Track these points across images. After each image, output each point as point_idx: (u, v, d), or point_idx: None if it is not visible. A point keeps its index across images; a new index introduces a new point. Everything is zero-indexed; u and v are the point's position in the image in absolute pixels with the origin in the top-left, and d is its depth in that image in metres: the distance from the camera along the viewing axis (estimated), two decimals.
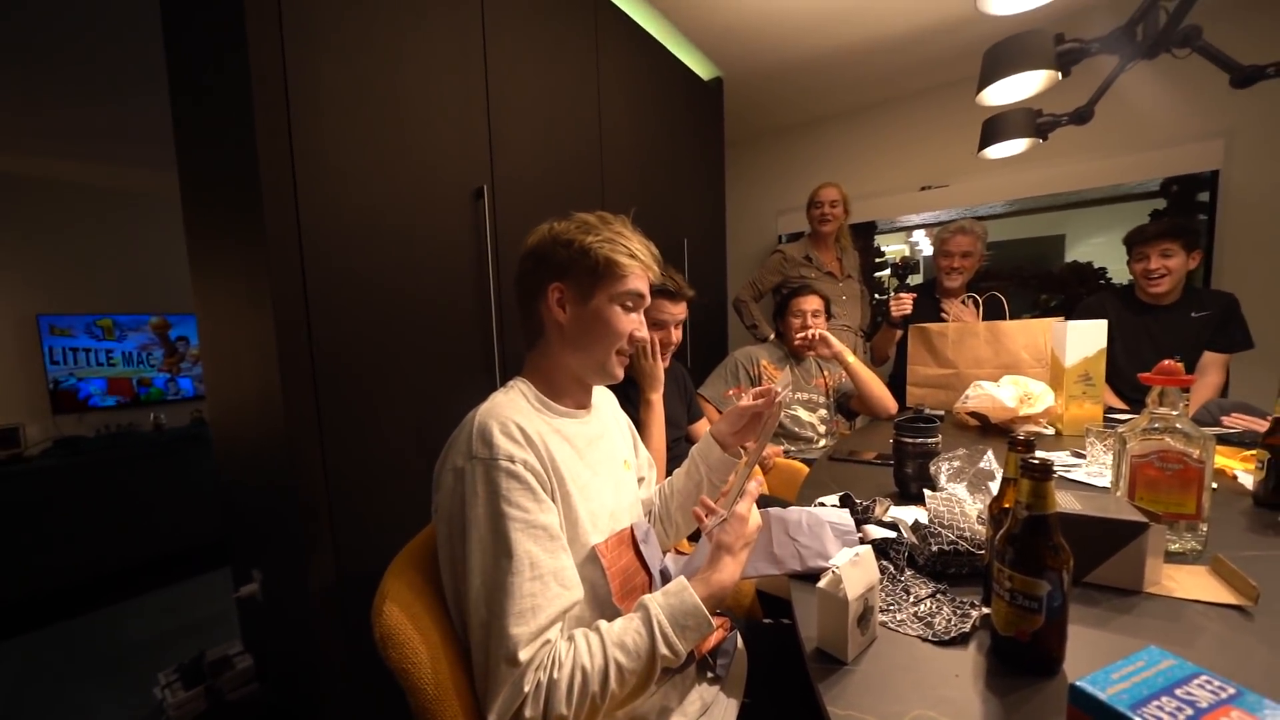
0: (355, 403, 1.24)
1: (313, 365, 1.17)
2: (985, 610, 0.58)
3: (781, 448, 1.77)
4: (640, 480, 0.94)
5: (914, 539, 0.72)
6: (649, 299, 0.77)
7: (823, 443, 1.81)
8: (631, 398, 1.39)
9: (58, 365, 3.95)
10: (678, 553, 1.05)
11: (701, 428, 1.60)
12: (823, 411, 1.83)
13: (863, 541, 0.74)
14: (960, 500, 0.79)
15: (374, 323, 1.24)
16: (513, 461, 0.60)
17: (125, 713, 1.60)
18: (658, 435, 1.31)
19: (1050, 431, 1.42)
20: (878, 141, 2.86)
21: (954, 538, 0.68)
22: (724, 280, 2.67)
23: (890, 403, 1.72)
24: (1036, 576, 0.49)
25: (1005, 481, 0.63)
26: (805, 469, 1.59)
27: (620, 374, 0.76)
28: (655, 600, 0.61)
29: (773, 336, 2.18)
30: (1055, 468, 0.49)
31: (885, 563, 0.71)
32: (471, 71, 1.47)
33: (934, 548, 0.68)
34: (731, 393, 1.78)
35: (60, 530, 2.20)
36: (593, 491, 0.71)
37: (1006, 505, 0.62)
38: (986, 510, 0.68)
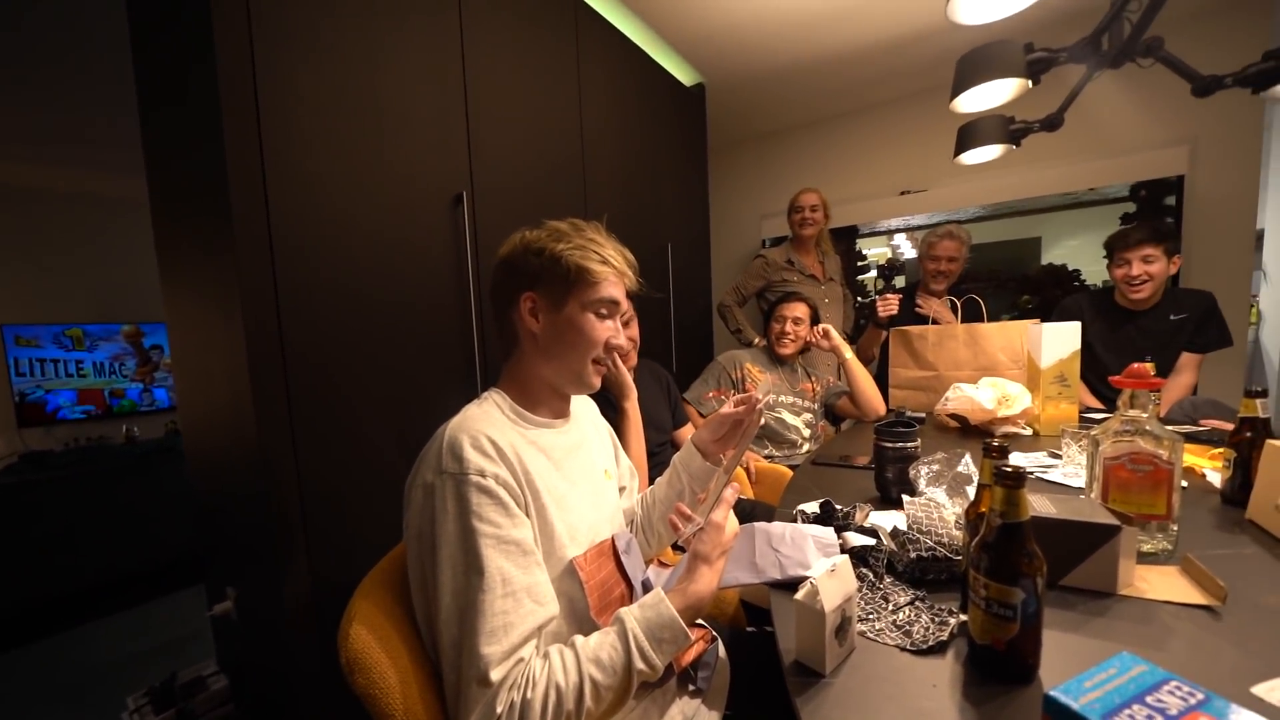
0: (331, 413, 1.21)
1: (285, 375, 1.14)
2: (963, 618, 0.58)
3: (765, 452, 1.78)
4: (622, 489, 0.93)
5: (893, 545, 0.72)
6: (625, 305, 0.77)
7: (807, 447, 1.81)
8: (613, 404, 1.39)
9: (23, 377, 3.81)
10: (661, 565, 1.04)
11: (686, 433, 1.59)
12: (808, 416, 1.84)
13: (843, 549, 0.74)
14: (939, 505, 0.80)
15: (350, 331, 1.21)
16: (483, 476, 0.59)
17: None
18: (636, 443, 1.30)
19: (1028, 432, 1.44)
20: (858, 147, 2.90)
21: (932, 544, 0.69)
22: (709, 285, 2.68)
23: (880, 404, 1.73)
24: (1011, 584, 0.49)
25: (981, 487, 0.63)
26: (789, 474, 1.59)
27: (597, 383, 0.75)
28: (631, 614, 0.60)
29: (757, 340, 2.19)
30: (1029, 472, 0.49)
31: (865, 569, 0.71)
32: (450, 76, 1.46)
33: (912, 554, 0.68)
34: (712, 395, 1.79)
35: (26, 549, 2.11)
36: (570, 503, 0.70)
37: (983, 510, 0.62)
38: (964, 515, 0.69)
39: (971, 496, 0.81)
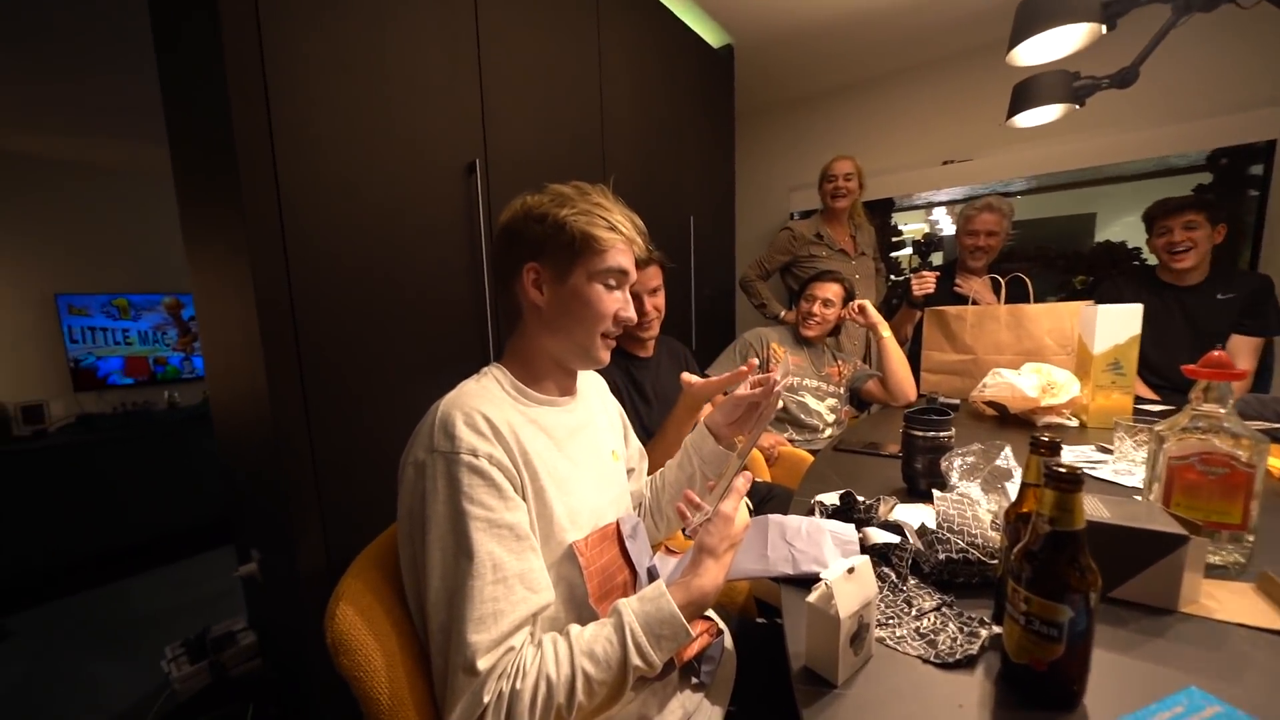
0: (344, 385, 1.20)
1: (297, 347, 1.14)
2: (996, 630, 0.52)
3: (786, 436, 1.71)
4: (630, 472, 0.89)
5: (919, 544, 0.66)
6: (634, 275, 0.71)
7: (829, 432, 1.74)
8: (636, 379, 1.34)
9: (77, 344, 4.02)
10: (669, 551, 1.01)
11: (706, 413, 1.54)
12: (832, 400, 1.76)
13: (863, 546, 0.69)
14: (973, 501, 0.73)
15: (361, 301, 1.20)
16: (475, 456, 0.55)
17: (133, 685, 1.64)
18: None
19: (1074, 423, 1.33)
20: (897, 113, 2.71)
21: (964, 545, 0.62)
22: (732, 259, 2.57)
23: (912, 389, 1.64)
24: (1058, 600, 0.43)
25: (1026, 487, 0.56)
26: (810, 459, 1.53)
27: (606, 358, 0.71)
28: (629, 606, 0.56)
29: (785, 314, 2.10)
30: (1081, 470, 0.42)
31: (887, 569, 0.65)
32: (462, 38, 1.39)
33: (941, 555, 0.62)
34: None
35: (78, 505, 2.24)
36: (572, 485, 0.66)
37: (1025, 510, 0.55)
38: (1002, 515, 0.62)
39: (1011, 495, 0.74)
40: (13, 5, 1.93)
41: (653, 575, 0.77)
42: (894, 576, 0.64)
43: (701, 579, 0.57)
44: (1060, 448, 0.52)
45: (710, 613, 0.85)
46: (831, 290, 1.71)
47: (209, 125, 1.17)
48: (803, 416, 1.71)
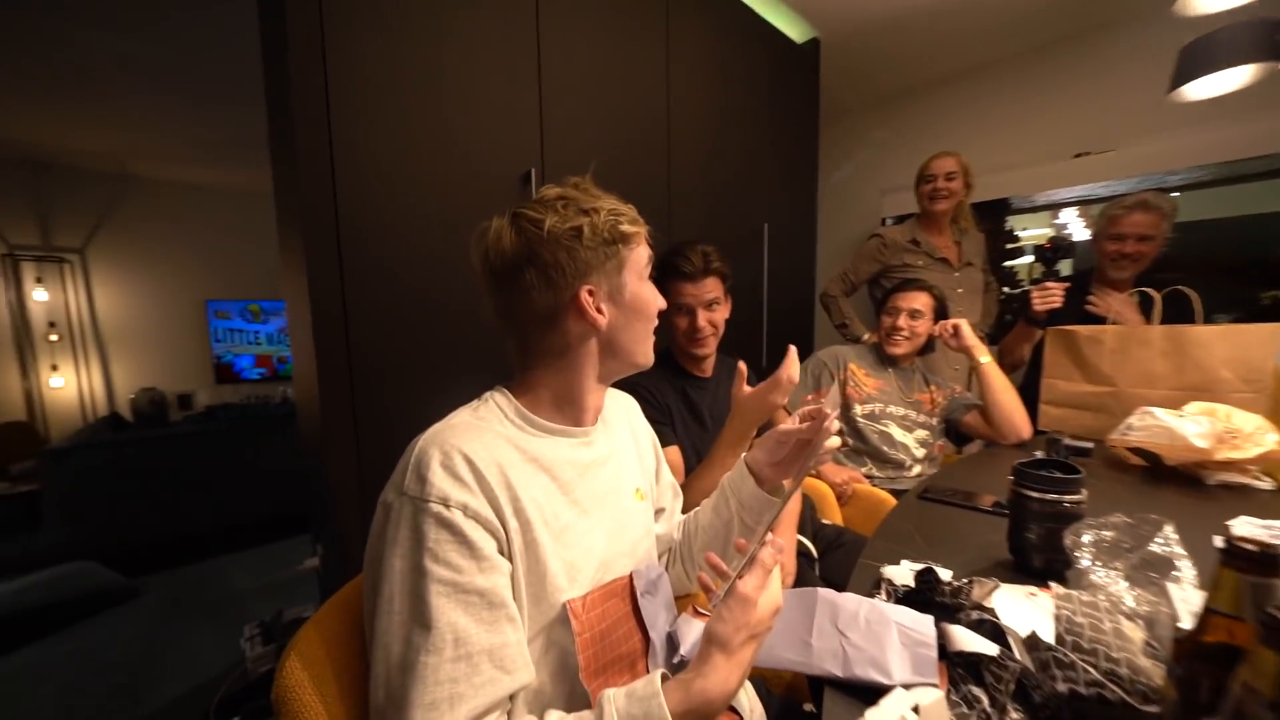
0: (393, 394, 1.22)
1: (348, 353, 1.17)
2: None
3: (865, 470, 1.49)
4: (660, 512, 0.77)
5: (1028, 662, 0.47)
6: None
7: (917, 469, 1.49)
8: (692, 400, 1.22)
9: (220, 343, 4.68)
10: (697, 613, 0.87)
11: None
12: (922, 433, 1.50)
13: (944, 651, 0.51)
14: (1113, 600, 0.52)
15: (413, 310, 1.23)
16: (446, 505, 0.47)
17: (220, 655, 1.78)
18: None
19: (1265, 485, 1.00)
20: (1014, 101, 2.34)
21: (1098, 676, 0.43)
22: (812, 271, 2.36)
23: (1024, 425, 1.36)
24: None
25: (1212, 614, 0.37)
26: (891, 501, 1.31)
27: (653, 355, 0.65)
28: (616, 702, 0.45)
29: (867, 336, 1.87)
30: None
31: (977, 691, 0.47)
32: (522, 45, 1.37)
33: (1062, 686, 0.44)
34: (811, 397, 1.53)
35: (193, 486, 2.53)
36: (574, 536, 0.56)
37: (1208, 640, 0.36)
38: (1165, 643, 0.42)
39: (1174, 597, 0.53)
40: (162, 57, 2.26)
41: (672, 643, 0.64)
42: (986, 703, 0.46)
43: (706, 680, 0.44)
44: (1277, 562, 0.33)
45: (745, 686, 0.70)
46: (920, 300, 1.47)
47: (280, 144, 1.24)
48: (886, 449, 1.48)
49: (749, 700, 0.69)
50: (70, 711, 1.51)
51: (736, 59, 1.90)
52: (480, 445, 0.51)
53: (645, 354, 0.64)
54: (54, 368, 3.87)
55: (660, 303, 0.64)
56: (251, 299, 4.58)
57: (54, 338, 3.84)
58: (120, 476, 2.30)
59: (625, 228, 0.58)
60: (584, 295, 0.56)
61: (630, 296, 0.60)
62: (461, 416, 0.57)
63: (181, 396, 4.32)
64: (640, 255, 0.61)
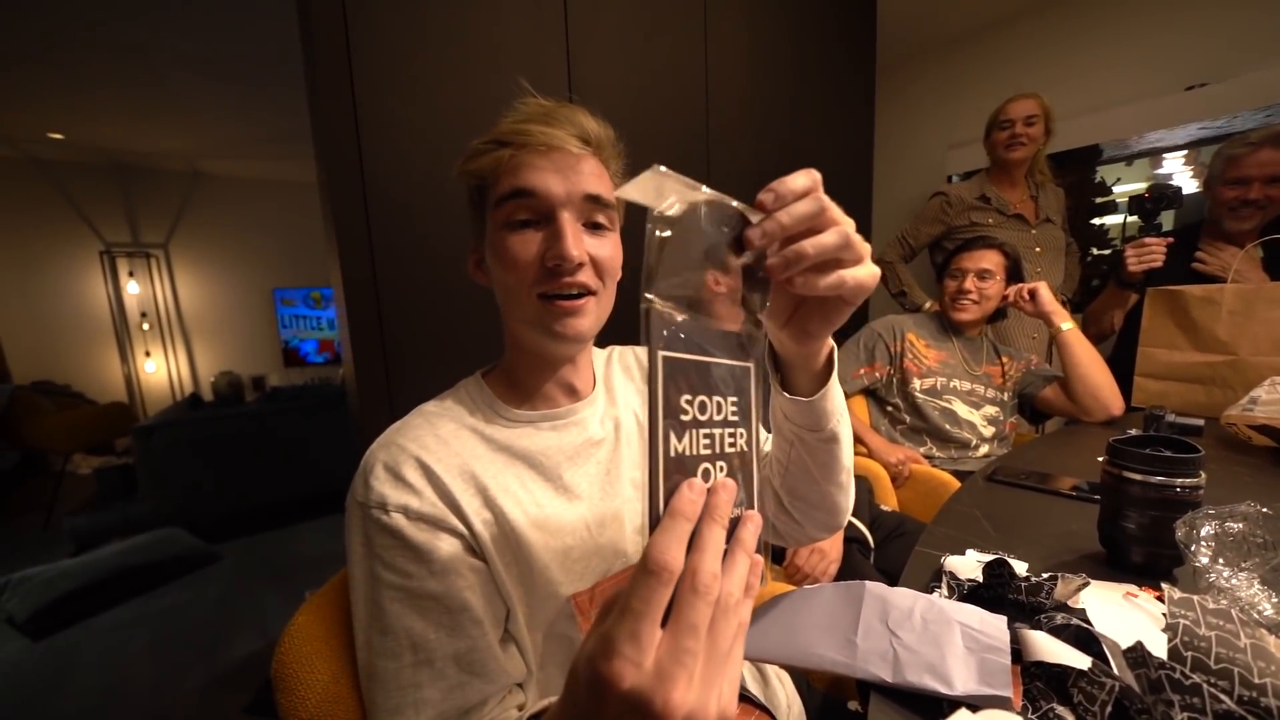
0: (424, 369, 1.23)
1: (381, 332, 1.17)
2: None
3: (924, 450, 1.36)
4: None
5: (1131, 680, 0.38)
6: (555, 189, 0.45)
7: (985, 450, 1.34)
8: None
9: (287, 329, 4.99)
10: None
11: None
12: (991, 409, 1.36)
13: (1022, 660, 0.43)
14: (1247, 608, 0.42)
15: (443, 289, 1.22)
16: (385, 510, 0.44)
17: (282, 617, 1.90)
18: None
19: None
20: (1106, 30, 2.04)
21: (1233, 706, 0.34)
22: (867, 235, 2.16)
23: (1115, 400, 1.20)
24: None
25: None
26: (954, 483, 1.19)
27: (574, 327, 0.48)
28: None
29: (929, 305, 1.71)
30: None
31: (1061, 711, 0.39)
32: (548, 9, 1.31)
33: (1179, 715, 0.35)
34: (863, 371, 1.41)
35: (268, 458, 2.72)
36: (567, 524, 0.50)
37: None
38: None
39: None
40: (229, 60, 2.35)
41: None
42: None
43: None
44: None
45: (782, 679, 0.64)
46: (989, 259, 1.31)
47: (317, 129, 1.24)
48: (949, 428, 1.34)
49: (786, 696, 0.63)
50: (160, 661, 1.67)
51: (783, 3, 1.74)
52: (434, 440, 0.48)
53: (533, 320, 0.49)
54: (147, 353, 4.26)
55: (517, 257, 0.48)
56: (313, 286, 4.84)
57: (146, 326, 4.22)
58: (197, 451, 2.50)
59: (472, 164, 0.48)
60: (471, 257, 0.54)
61: (491, 251, 0.50)
62: (424, 410, 0.53)
63: (255, 379, 4.66)
64: (495, 193, 0.47)
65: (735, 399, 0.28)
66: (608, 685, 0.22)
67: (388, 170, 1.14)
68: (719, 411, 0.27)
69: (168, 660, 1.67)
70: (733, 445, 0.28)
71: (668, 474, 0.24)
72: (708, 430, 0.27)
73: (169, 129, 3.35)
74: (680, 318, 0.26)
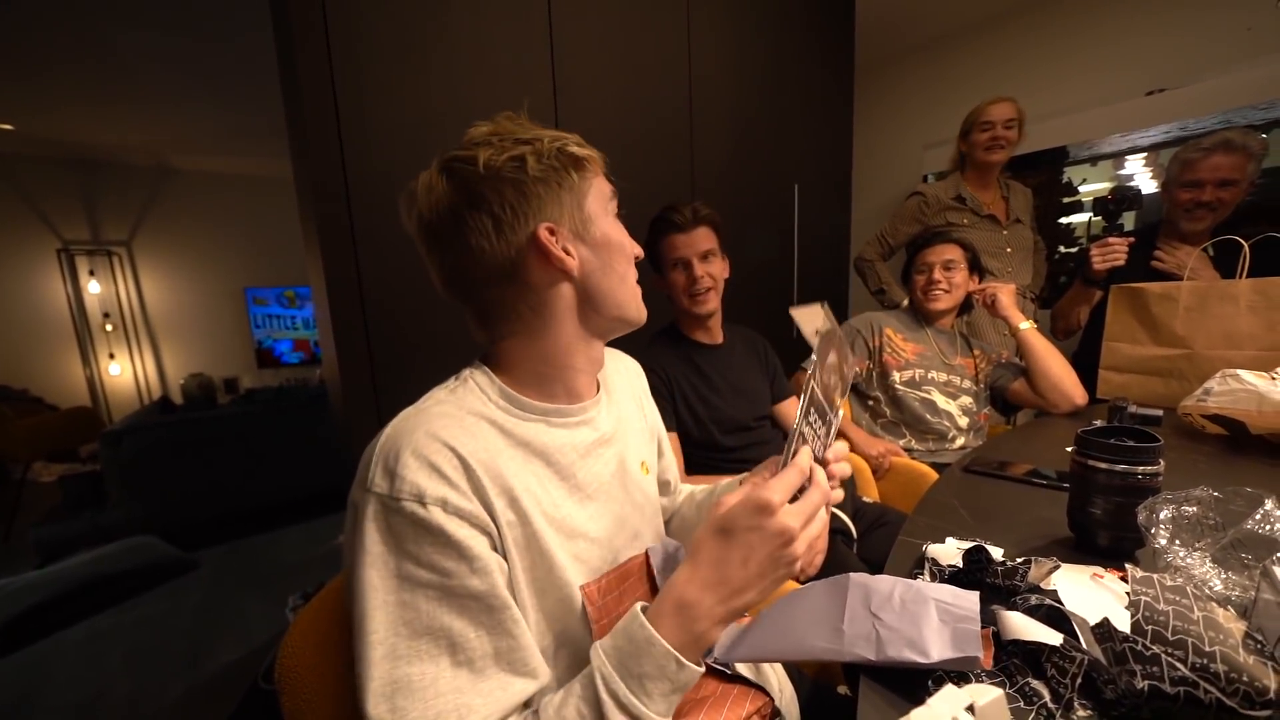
0: (411, 369, 1.21)
1: (366, 334, 1.16)
2: None
3: (903, 443, 1.41)
4: (665, 484, 0.73)
5: (1099, 653, 0.41)
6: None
7: (961, 441, 1.40)
8: (702, 368, 1.17)
9: (259, 329, 4.84)
10: None
11: (789, 408, 1.31)
12: (966, 400, 1.41)
13: (999, 640, 0.46)
14: (1200, 585, 0.46)
15: (429, 289, 1.20)
16: (423, 503, 0.40)
17: (265, 625, 1.87)
18: None
19: None
20: (1075, 35, 2.12)
21: (1187, 673, 0.37)
22: (846, 234, 2.23)
23: (1075, 390, 1.26)
24: None
25: None
26: (934, 475, 1.23)
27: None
28: (602, 644, 0.42)
29: (905, 303, 1.76)
30: None
31: (1036, 684, 0.42)
32: (533, 9, 1.31)
33: (1141, 682, 0.38)
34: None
35: (244, 463, 2.65)
36: (580, 524, 0.51)
37: None
38: (1269, 635, 0.36)
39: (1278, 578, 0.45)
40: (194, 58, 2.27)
41: None
42: (1048, 698, 0.41)
43: (693, 578, 0.42)
44: None
45: (775, 672, 0.67)
46: (950, 251, 1.37)
47: (292, 126, 1.22)
48: (929, 418, 1.39)
49: (778, 680, 0.65)
50: (137, 674, 1.62)
51: (764, 5, 1.77)
52: (462, 431, 0.45)
53: (630, 301, 0.55)
54: (111, 356, 4.10)
55: (635, 248, 0.56)
56: (287, 285, 4.72)
57: (109, 327, 4.06)
58: (171, 457, 2.42)
59: (574, 150, 0.50)
60: (544, 234, 0.48)
61: (600, 233, 0.52)
62: (437, 397, 0.50)
63: (227, 381, 4.52)
64: (601, 187, 0.54)
65: (824, 427, 0.51)
66: (767, 502, 0.40)
67: (370, 167, 1.13)
68: (820, 425, 0.50)
69: (145, 673, 1.62)
70: (817, 440, 0.49)
71: (800, 441, 0.45)
72: (813, 431, 0.48)
73: (137, 122, 3.22)
74: (814, 384, 0.47)
